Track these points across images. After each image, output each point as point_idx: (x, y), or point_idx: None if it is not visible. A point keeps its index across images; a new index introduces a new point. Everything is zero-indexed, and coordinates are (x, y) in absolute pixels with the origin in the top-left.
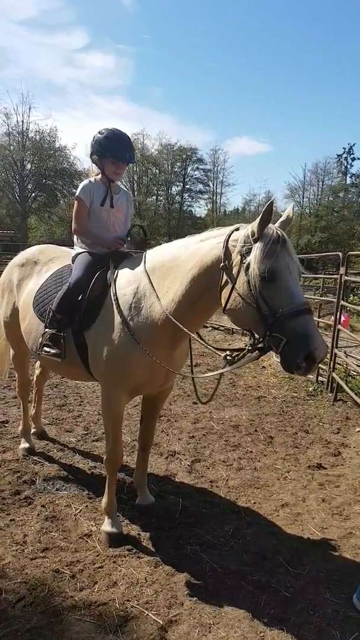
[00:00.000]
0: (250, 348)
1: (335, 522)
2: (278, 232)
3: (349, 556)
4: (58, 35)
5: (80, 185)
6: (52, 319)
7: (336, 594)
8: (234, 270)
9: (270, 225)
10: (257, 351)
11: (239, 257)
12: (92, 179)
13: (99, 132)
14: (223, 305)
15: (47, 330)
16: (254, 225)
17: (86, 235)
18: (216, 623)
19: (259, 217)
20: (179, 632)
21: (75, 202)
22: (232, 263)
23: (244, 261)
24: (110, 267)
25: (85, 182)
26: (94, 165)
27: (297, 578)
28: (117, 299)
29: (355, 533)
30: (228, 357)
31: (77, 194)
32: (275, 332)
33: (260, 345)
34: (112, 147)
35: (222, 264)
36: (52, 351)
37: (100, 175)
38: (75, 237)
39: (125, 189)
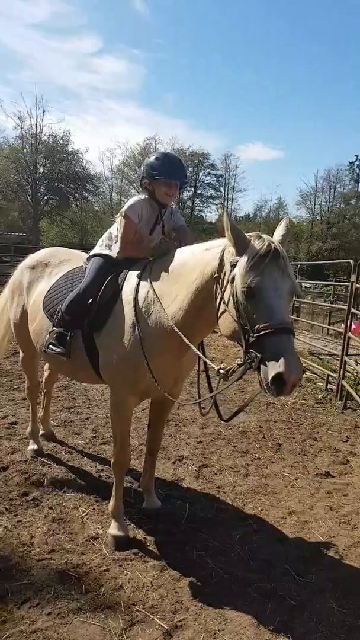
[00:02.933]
0: (239, 363)
1: (342, 531)
2: (271, 245)
3: (356, 565)
4: (71, 40)
5: (130, 202)
6: (60, 319)
7: (343, 603)
8: (225, 282)
9: (265, 237)
10: (244, 366)
11: (230, 268)
12: (144, 197)
13: (150, 156)
14: (216, 315)
15: (54, 328)
16: (229, 239)
17: (132, 253)
18: (221, 629)
19: (229, 230)
20: (184, 637)
21: (123, 220)
22: (224, 274)
23: (231, 273)
24: (123, 271)
25: (135, 199)
26: (133, 173)
27: (303, 586)
28: (134, 304)
29: None
30: (221, 371)
31: (124, 210)
32: (252, 347)
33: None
34: (164, 167)
35: (215, 275)
36: (58, 350)
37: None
38: (109, 244)
39: (173, 207)
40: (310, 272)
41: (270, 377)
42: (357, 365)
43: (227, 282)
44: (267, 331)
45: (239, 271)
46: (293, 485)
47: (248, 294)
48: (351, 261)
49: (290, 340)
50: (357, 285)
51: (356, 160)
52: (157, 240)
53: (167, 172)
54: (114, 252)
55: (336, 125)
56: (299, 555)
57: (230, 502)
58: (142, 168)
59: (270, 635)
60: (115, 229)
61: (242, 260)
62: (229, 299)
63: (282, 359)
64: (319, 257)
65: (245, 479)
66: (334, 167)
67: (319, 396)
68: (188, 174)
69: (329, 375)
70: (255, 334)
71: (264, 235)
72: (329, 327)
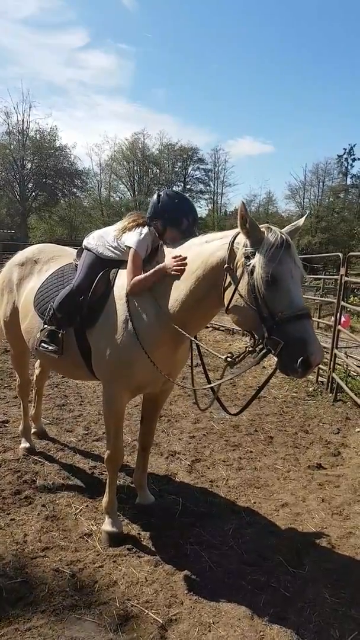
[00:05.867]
0: (250, 349)
1: (335, 522)
2: (283, 236)
3: (348, 555)
4: (58, 35)
5: (139, 235)
6: (52, 316)
7: (336, 593)
8: (238, 272)
9: (276, 229)
10: (257, 354)
11: (243, 259)
12: (152, 230)
13: (167, 195)
14: (226, 305)
15: (45, 326)
16: (244, 232)
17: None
18: (216, 622)
19: (246, 223)
20: (178, 631)
21: (130, 254)
22: (236, 264)
23: (247, 264)
24: (114, 267)
25: (146, 232)
26: (153, 228)
27: (296, 577)
28: (126, 299)
29: (355, 533)
30: (229, 359)
31: (133, 245)
32: (274, 335)
33: (260, 347)
34: (183, 222)
35: (226, 265)
36: (50, 347)
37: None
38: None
39: None
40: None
41: (299, 361)
42: (346, 357)
43: (242, 272)
44: (289, 318)
45: (259, 261)
46: (285, 478)
47: (270, 282)
48: (340, 254)
49: (311, 324)
50: (346, 279)
51: (344, 153)
52: None
53: (184, 226)
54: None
55: (325, 118)
56: (292, 547)
57: (223, 496)
58: (155, 201)
59: (264, 627)
60: (112, 237)
61: (261, 251)
62: (246, 289)
63: (307, 343)
64: (308, 251)
65: (237, 472)
66: (322, 160)
67: (310, 389)
68: (177, 169)
69: (319, 368)
70: (278, 321)
71: (274, 227)
72: (319, 320)
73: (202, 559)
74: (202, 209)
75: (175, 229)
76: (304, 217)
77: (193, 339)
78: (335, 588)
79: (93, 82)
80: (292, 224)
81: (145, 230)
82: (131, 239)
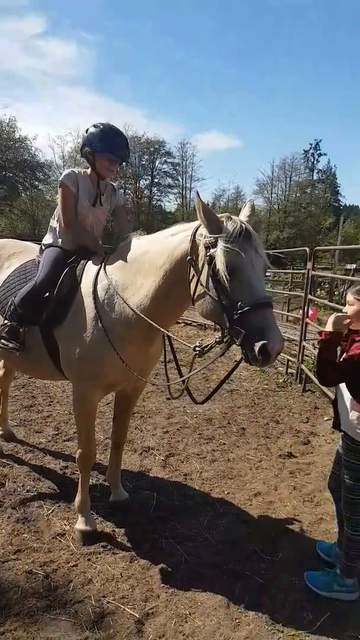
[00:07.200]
0: (217, 340)
1: (306, 509)
2: (243, 225)
3: (320, 540)
4: (12, 20)
5: (65, 172)
6: (12, 312)
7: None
8: (200, 264)
9: (236, 218)
10: (223, 344)
11: (204, 250)
12: (77, 170)
13: (94, 126)
14: (192, 298)
15: (5, 322)
16: (202, 222)
17: (75, 232)
18: (192, 613)
19: (201, 212)
20: (155, 624)
21: (60, 189)
22: (198, 256)
23: (207, 254)
24: (80, 262)
25: (68, 170)
26: (71, 156)
27: (270, 564)
28: (93, 296)
29: (325, 518)
30: (197, 349)
31: (60, 179)
32: (235, 324)
33: (225, 338)
34: (108, 142)
35: (188, 257)
36: (10, 345)
37: (89, 170)
38: (55, 226)
39: (114, 183)
40: (270, 261)
41: (257, 349)
42: (314, 349)
43: (204, 263)
44: (249, 307)
45: (218, 251)
46: (258, 467)
47: (229, 272)
48: (307, 249)
49: (271, 313)
50: (313, 273)
51: (310, 148)
52: (103, 224)
53: (111, 147)
54: (61, 236)
55: (291, 113)
56: (265, 535)
57: (197, 488)
58: (85, 134)
59: (240, 614)
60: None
61: (220, 241)
62: (207, 280)
63: (265, 331)
64: (277, 246)
65: (211, 464)
66: (289, 156)
67: (280, 380)
68: (144, 162)
69: (288, 360)
70: (239, 311)
71: (234, 216)
72: (288, 314)
73: (177, 551)
74: (171, 203)
75: (104, 155)
76: (250, 201)
77: (166, 331)
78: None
79: (55, 73)
80: (245, 211)
81: (70, 169)
82: (60, 178)
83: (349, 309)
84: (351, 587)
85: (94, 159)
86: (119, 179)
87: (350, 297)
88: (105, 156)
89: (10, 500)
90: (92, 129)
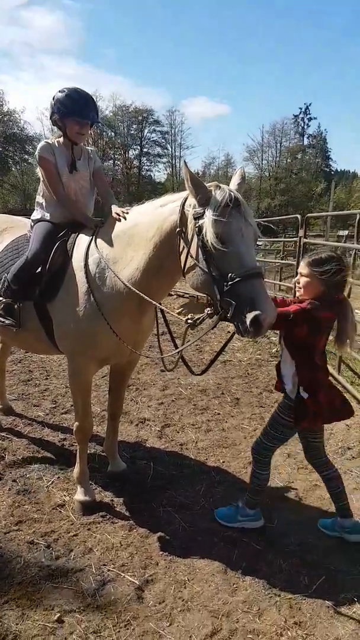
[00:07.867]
0: (209, 312)
1: (300, 476)
2: (232, 194)
3: (315, 506)
4: None
5: (39, 145)
6: (6, 288)
7: (304, 542)
8: (189, 235)
9: (224, 187)
10: (215, 316)
11: (193, 221)
12: (51, 140)
13: (60, 91)
14: (182, 270)
15: (0, 298)
16: (190, 192)
17: (64, 202)
18: (191, 579)
19: (188, 182)
20: (155, 590)
21: (39, 163)
22: (187, 227)
23: (196, 225)
24: (70, 236)
25: (42, 142)
26: (55, 128)
27: (267, 531)
28: (85, 270)
29: (319, 485)
30: (189, 321)
31: (37, 154)
32: (226, 296)
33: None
34: (76, 106)
35: (178, 229)
36: (6, 322)
37: (62, 138)
38: (41, 201)
39: (89, 148)
40: (261, 230)
41: (248, 320)
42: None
43: (193, 234)
44: (239, 278)
45: (206, 222)
46: (252, 437)
47: (218, 243)
48: (298, 216)
49: (261, 283)
50: (305, 240)
51: (300, 113)
52: (87, 189)
53: (79, 110)
54: (48, 210)
55: (281, 76)
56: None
57: (193, 458)
58: (51, 101)
59: (237, 579)
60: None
61: (208, 211)
62: (197, 251)
63: (256, 302)
64: (268, 213)
65: (206, 434)
66: (279, 121)
67: (273, 350)
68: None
69: None
70: (230, 282)
71: (222, 185)
72: (280, 283)
73: (175, 520)
74: (161, 173)
75: (72, 118)
76: (240, 169)
77: (158, 305)
78: (303, 538)
79: (39, 44)
80: (235, 180)
81: (43, 141)
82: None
83: (301, 280)
84: (254, 515)
85: (64, 125)
86: (107, 149)
87: (303, 267)
88: (74, 120)
89: (11, 472)
90: (58, 95)
